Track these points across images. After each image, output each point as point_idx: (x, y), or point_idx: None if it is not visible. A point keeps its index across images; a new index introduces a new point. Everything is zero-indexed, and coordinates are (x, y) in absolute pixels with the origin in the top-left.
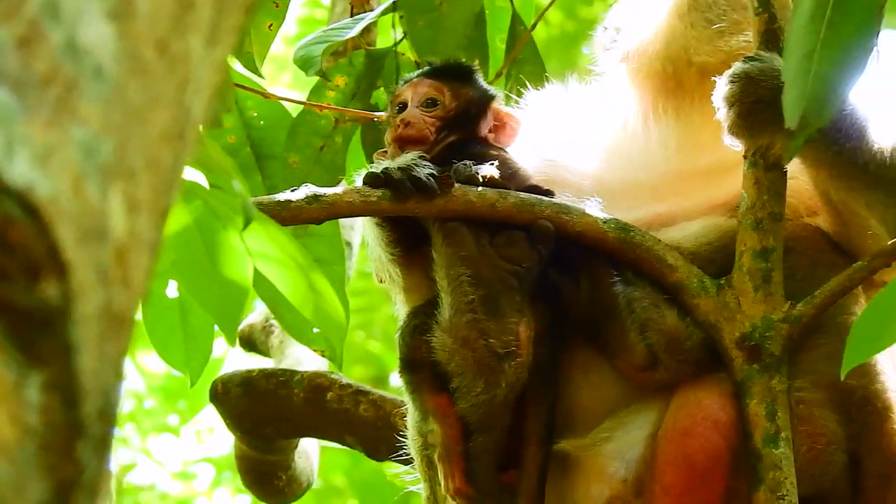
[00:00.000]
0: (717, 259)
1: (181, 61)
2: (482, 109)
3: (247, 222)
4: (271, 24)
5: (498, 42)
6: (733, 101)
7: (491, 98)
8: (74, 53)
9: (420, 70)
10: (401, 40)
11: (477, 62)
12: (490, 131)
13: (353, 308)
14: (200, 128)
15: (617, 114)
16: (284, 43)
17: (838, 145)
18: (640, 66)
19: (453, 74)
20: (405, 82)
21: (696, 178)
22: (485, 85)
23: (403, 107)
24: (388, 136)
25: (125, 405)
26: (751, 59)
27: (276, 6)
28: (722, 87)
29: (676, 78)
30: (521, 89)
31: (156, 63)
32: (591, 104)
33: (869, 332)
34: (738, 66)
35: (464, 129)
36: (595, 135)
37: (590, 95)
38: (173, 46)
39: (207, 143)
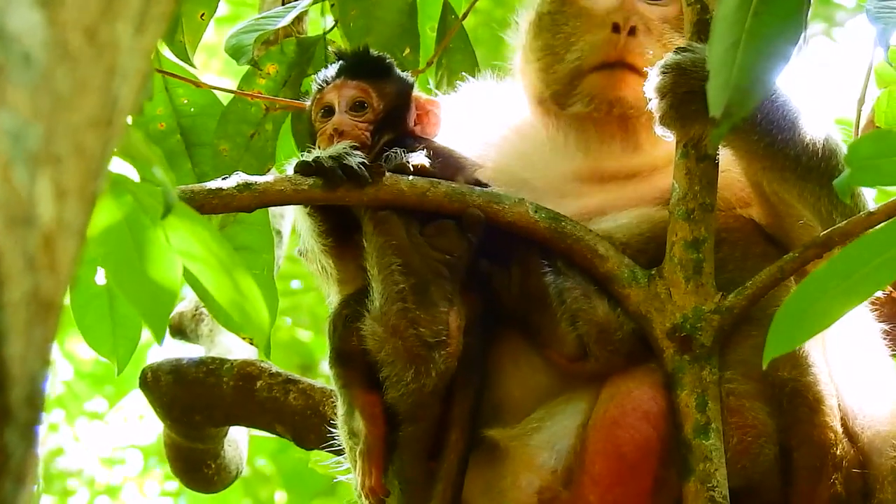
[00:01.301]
0: (648, 250)
1: (109, 48)
2: (406, 102)
3: (167, 211)
4: (203, 14)
5: (429, 31)
6: (665, 91)
7: (410, 87)
8: (2, 40)
9: (337, 66)
10: (331, 28)
11: (408, 51)
12: (415, 123)
13: (280, 292)
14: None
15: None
16: (216, 29)
17: (770, 137)
18: None
19: (375, 72)
20: (326, 83)
21: (624, 172)
22: (401, 74)
23: (329, 110)
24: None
25: (53, 391)
26: (683, 49)
27: None
28: (654, 77)
29: None
30: (453, 78)
31: (84, 50)
32: (517, 100)
33: (791, 322)
34: (670, 56)
35: (394, 127)
36: (522, 130)
37: (516, 91)
38: (102, 33)
39: (131, 130)
